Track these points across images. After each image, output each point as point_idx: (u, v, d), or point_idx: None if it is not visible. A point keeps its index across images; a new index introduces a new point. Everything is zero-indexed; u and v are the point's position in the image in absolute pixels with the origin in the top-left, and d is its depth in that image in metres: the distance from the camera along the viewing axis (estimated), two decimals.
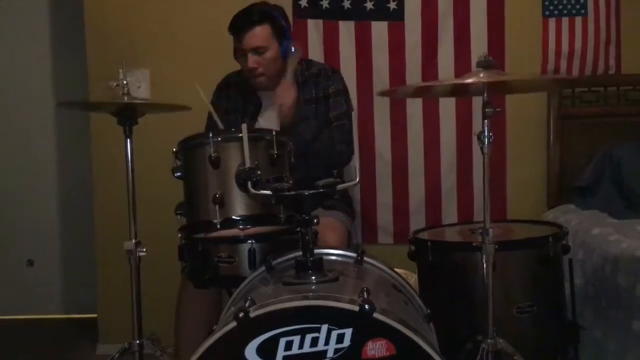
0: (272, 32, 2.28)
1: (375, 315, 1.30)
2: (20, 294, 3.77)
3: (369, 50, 3.07)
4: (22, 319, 3.73)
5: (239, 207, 1.79)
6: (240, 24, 2.26)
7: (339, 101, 2.40)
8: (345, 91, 2.45)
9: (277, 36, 2.30)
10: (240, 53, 2.30)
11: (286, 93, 2.30)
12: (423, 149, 3.10)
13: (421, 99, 3.06)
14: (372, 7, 3.06)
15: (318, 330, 1.30)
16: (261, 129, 2.16)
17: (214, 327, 1.43)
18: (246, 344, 1.31)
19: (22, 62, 3.70)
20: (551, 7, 3.04)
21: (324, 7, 3.06)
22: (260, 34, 2.26)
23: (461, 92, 2.17)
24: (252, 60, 2.27)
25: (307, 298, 1.40)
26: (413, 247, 2.13)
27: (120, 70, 2.10)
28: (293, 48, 2.36)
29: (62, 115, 3.69)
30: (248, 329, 1.31)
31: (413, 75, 3.06)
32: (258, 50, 2.27)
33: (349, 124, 2.41)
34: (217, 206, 1.77)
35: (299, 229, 1.55)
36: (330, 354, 1.30)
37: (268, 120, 2.37)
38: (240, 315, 1.30)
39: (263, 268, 1.69)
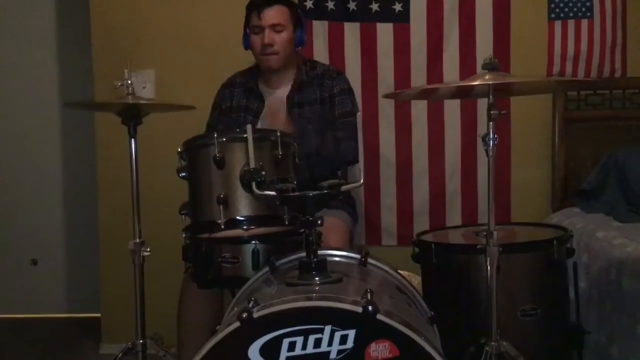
0: (289, 15, 2.36)
1: (379, 316, 1.30)
2: (23, 293, 3.77)
3: (374, 52, 3.07)
4: (25, 318, 3.73)
5: (243, 208, 1.79)
6: (262, 0, 2.33)
7: (344, 100, 2.42)
8: (350, 91, 2.46)
9: (294, 21, 2.37)
10: (256, 30, 2.34)
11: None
12: (427, 150, 3.10)
13: (426, 101, 3.06)
14: (378, 9, 3.05)
15: (321, 331, 1.30)
16: (266, 129, 2.16)
17: (216, 328, 1.43)
18: (249, 344, 1.31)
19: (28, 61, 3.70)
20: (557, 10, 3.03)
21: (329, 8, 3.06)
22: (280, 11, 2.33)
23: (466, 94, 2.16)
24: (269, 36, 2.32)
25: (310, 299, 1.40)
26: (417, 249, 2.13)
27: (126, 70, 2.11)
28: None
29: (67, 115, 3.69)
30: (251, 329, 1.31)
31: (418, 77, 3.05)
32: (276, 28, 2.32)
33: (354, 121, 2.42)
34: (221, 206, 1.77)
35: (302, 230, 1.55)
36: (333, 355, 1.30)
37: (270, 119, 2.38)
38: (244, 315, 1.31)
39: (267, 269, 1.69)
